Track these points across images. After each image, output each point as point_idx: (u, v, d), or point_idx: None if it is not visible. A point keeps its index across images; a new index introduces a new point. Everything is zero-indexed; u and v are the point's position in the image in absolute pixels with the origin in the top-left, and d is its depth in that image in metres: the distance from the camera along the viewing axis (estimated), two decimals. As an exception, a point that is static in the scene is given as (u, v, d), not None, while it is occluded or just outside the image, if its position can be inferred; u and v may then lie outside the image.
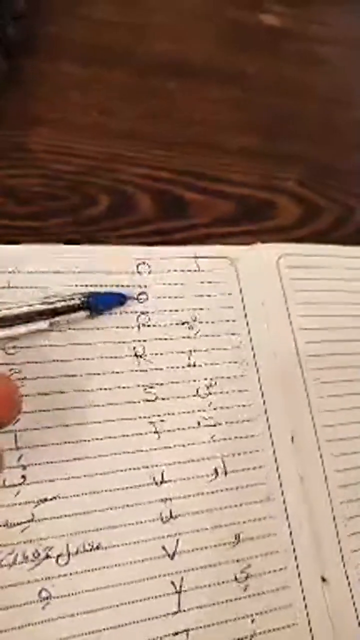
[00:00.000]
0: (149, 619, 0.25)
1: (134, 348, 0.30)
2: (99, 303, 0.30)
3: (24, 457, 0.26)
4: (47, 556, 0.25)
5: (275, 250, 0.35)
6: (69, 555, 0.25)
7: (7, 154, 0.34)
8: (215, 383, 0.31)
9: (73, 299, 0.29)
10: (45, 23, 0.40)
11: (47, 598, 0.24)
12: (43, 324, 0.28)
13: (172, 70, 0.41)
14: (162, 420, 0.29)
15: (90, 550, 0.25)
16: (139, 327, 0.31)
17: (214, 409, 0.30)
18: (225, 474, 0.29)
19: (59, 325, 0.29)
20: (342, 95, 0.46)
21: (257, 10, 0.47)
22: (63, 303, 0.29)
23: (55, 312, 0.28)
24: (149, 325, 0.31)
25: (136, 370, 0.30)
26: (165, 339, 0.31)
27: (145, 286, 0.32)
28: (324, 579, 0.28)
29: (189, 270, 0.33)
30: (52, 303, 0.28)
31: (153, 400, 0.29)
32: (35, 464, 0.26)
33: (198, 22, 0.45)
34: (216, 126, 0.40)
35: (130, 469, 0.27)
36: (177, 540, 0.27)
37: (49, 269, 0.30)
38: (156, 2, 0.44)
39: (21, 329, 0.28)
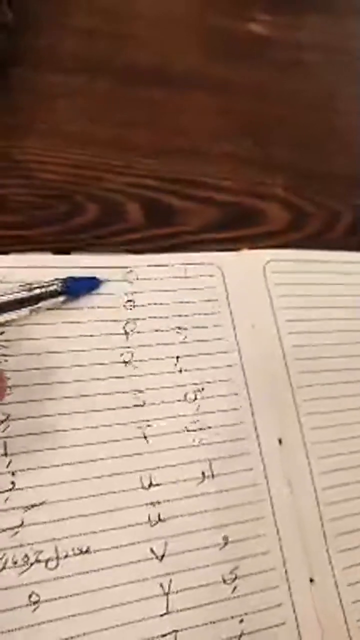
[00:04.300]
0: (137, 620, 0.26)
1: (122, 354, 0.30)
2: (74, 287, 0.30)
3: (13, 463, 0.26)
4: (37, 560, 0.25)
5: (262, 256, 0.36)
6: (58, 559, 0.26)
7: (-5, 163, 0.35)
8: (203, 388, 0.31)
9: (51, 285, 0.30)
10: (31, 34, 0.40)
11: (37, 602, 0.25)
12: (24, 312, 0.29)
13: (159, 79, 0.42)
14: (150, 425, 0.29)
15: (80, 554, 0.26)
16: (127, 333, 0.31)
17: (202, 413, 0.30)
18: (213, 477, 0.29)
19: (39, 311, 0.29)
20: (327, 102, 0.46)
21: (243, 18, 0.47)
22: (42, 290, 0.29)
23: (37, 299, 0.29)
24: (137, 332, 0.31)
25: (124, 376, 0.30)
26: (153, 345, 0.31)
27: (134, 293, 0.32)
28: (311, 580, 0.29)
29: (177, 277, 0.33)
30: (31, 290, 0.29)
31: (141, 406, 0.30)
32: (25, 470, 0.27)
33: (184, 31, 0.45)
34: (203, 134, 0.41)
35: (119, 473, 0.28)
36: (166, 543, 0.27)
37: (38, 279, 0.30)
38: (142, 11, 0.45)
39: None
